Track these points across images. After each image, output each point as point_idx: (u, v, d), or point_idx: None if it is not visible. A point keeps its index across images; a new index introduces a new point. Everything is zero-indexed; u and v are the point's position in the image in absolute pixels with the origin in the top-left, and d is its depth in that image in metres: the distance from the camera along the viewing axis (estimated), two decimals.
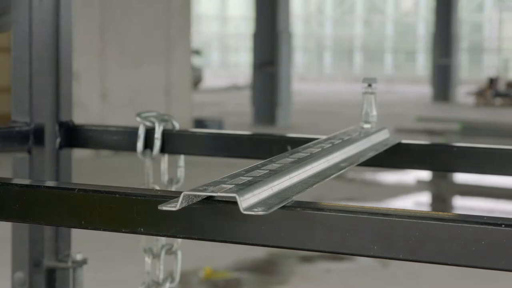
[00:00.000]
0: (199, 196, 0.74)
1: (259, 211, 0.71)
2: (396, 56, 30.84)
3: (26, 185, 0.83)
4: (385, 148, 1.16)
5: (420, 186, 6.95)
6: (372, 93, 1.22)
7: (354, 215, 0.72)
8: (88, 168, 7.17)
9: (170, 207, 0.73)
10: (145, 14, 9.06)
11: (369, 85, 1.22)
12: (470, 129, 10.15)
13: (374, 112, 1.22)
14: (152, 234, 0.80)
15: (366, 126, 1.21)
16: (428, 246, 0.70)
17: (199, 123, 9.80)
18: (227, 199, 0.75)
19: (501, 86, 17.68)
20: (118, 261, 4.34)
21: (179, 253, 1.46)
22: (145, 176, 1.44)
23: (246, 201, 0.72)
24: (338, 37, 30.93)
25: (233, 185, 0.75)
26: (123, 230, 0.80)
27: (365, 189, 6.85)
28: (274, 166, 0.85)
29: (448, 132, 10.29)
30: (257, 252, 4.55)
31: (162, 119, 1.40)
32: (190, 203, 0.75)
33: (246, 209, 0.71)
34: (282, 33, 13.04)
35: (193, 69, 13.50)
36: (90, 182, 0.88)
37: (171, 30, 9.43)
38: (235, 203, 0.72)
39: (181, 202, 0.73)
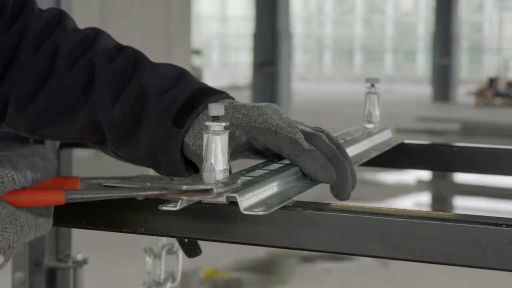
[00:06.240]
0: None
1: (259, 211, 0.71)
2: (396, 56, 30.84)
3: None
4: (387, 148, 1.16)
5: (420, 186, 6.95)
6: (375, 93, 1.22)
7: (354, 215, 0.72)
8: (88, 168, 7.17)
9: (170, 207, 0.73)
10: (145, 14, 9.07)
11: (372, 85, 1.22)
12: (470, 129, 10.15)
13: (377, 112, 1.22)
14: (152, 234, 0.80)
15: (369, 126, 1.21)
16: (428, 246, 0.70)
17: None
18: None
19: (501, 86, 17.67)
20: (119, 261, 4.34)
21: (180, 253, 1.46)
22: None
23: (247, 201, 0.72)
24: (338, 37, 30.94)
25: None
26: (123, 230, 0.80)
27: (365, 189, 6.85)
28: (275, 166, 0.85)
29: (448, 132, 10.29)
30: (257, 252, 4.56)
31: None
32: (191, 203, 0.75)
33: (246, 209, 0.71)
34: (282, 33, 13.05)
35: (193, 69, 13.51)
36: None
37: (171, 30, 9.43)
38: (235, 203, 0.72)
39: (181, 202, 0.73)
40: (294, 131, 0.87)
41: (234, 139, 0.88)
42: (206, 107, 0.91)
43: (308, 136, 0.87)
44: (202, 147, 0.86)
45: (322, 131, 0.91)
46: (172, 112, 0.92)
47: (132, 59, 0.99)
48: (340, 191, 0.85)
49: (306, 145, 0.85)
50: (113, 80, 0.96)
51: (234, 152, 0.90)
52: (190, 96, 0.93)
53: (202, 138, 0.87)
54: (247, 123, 0.89)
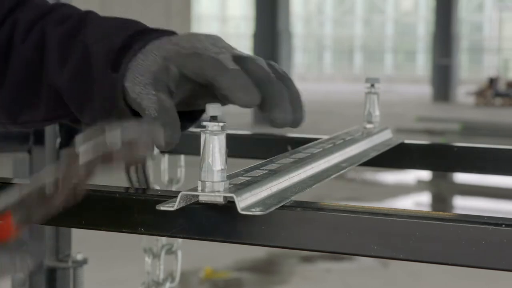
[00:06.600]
0: (197, 196, 0.74)
1: (256, 211, 0.71)
2: (396, 56, 30.85)
3: None
4: (387, 148, 1.16)
5: (420, 186, 6.96)
6: (375, 93, 1.22)
7: (354, 215, 0.72)
8: None
9: (167, 207, 0.73)
10: (145, 14, 9.07)
11: (372, 85, 1.22)
12: (470, 129, 10.16)
13: (377, 112, 1.22)
14: (152, 234, 0.80)
15: (369, 126, 1.21)
16: (428, 246, 0.70)
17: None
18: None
19: (501, 86, 17.69)
20: (119, 261, 4.34)
21: (179, 253, 1.46)
22: None
23: (244, 201, 0.72)
24: (338, 37, 30.94)
25: (232, 185, 0.75)
26: (123, 230, 0.80)
27: (365, 189, 6.85)
28: (273, 166, 0.85)
29: (448, 132, 10.30)
30: (257, 252, 4.56)
31: None
32: (189, 203, 0.74)
33: (243, 209, 0.71)
34: (282, 33, 13.05)
35: None
36: (90, 182, 0.88)
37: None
38: (234, 202, 0.72)
39: (179, 202, 0.73)
40: (220, 51, 0.76)
41: (168, 74, 0.78)
42: (143, 46, 0.82)
43: (239, 59, 0.77)
44: (141, 94, 0.78)
45: (268, 61, 0.80)
46: (111, 58, 0.82)
47: (83, 20, 0.89)
48: (272, 114, 0.74)
49: (230, 64, 0.75)
50: (60, 44, 0.87)
51: (179, 93, 0.79)
52: (127, 38, 0.83)
53: (141, 83, 0.79)
54: (176, 52, 0.78)
